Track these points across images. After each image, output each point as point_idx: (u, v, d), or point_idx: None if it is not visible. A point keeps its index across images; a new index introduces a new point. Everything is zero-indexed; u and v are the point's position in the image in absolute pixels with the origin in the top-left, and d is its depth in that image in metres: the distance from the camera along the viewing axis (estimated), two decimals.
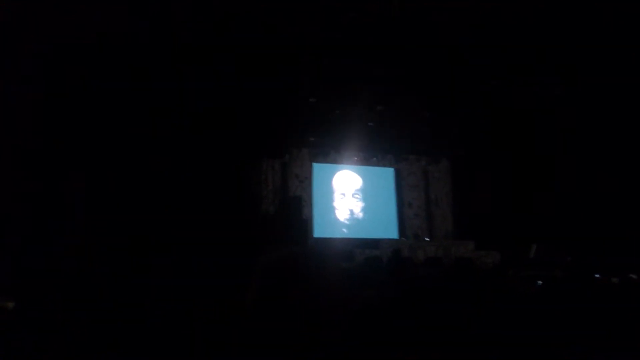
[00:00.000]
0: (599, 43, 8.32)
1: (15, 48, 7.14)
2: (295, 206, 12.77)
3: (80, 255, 7.28)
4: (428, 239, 13.47)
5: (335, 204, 13.71)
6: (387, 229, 13.93)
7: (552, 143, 11.52)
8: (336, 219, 13.63)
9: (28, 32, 7.04)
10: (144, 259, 7.79)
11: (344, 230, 13.60)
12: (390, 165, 14.48)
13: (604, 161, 10.90)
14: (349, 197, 13.87)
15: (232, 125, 10.51)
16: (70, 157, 7.97)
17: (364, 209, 13.94)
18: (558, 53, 8.72)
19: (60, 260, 7.03)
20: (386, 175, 14.48)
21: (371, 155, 14.11)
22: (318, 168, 13.61)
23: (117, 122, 8.55)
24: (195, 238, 9.03)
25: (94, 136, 8.22)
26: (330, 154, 13.73)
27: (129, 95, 8.55)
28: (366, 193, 14.10)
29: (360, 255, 11.04)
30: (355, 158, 13.97)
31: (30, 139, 7.55)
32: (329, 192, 13.72)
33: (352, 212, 13.83)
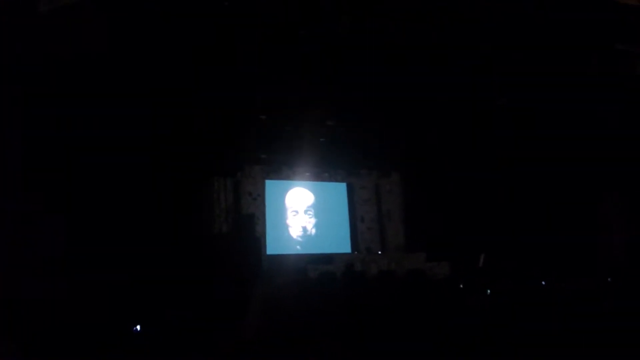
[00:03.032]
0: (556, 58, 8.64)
1: None
2: (248, 224, 12.71)
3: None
4: (380, 252, 13.61)
5: (289, 221, 13.70)
6: (340, 244, 13.99)
7: (502, 154, 11.83)
8: (289, 236, 13.61)
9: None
10: (99, 277, 7.62)
11: (298, 247, 13.59)
12: (342, 180, 14.60)
13: (555, 172, 11.29)
14: (301, 214, 13.90)
15: (183, 144, 10.39)
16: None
17: (316, 225, 13.98)
18: (509, 60, 8.96)
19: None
20: (338, 190, 14.58)
21: (323, 170, 14.20)
22: (271, 185, 13.58)
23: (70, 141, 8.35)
24: (148, 258, 8.86)
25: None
26: (283, 170, 13.74)
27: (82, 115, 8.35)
28: (319, 209, 14.15)
29: (314, 271, 11.07)
30: (308, 174, 14.02)
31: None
32: (282, 209, 13.70)
33: (305, 229, 13.84)
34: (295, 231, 13.69)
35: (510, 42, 8.27)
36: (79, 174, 8.57)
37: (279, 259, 12.62)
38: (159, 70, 8.37)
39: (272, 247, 12.93)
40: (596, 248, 10.81)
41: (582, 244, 10.63)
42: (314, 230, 13.90)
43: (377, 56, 8.67)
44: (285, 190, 13.91)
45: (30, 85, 7.50)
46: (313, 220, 13.97)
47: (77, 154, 8.47)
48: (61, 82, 7.77)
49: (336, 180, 14.52)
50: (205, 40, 7.91)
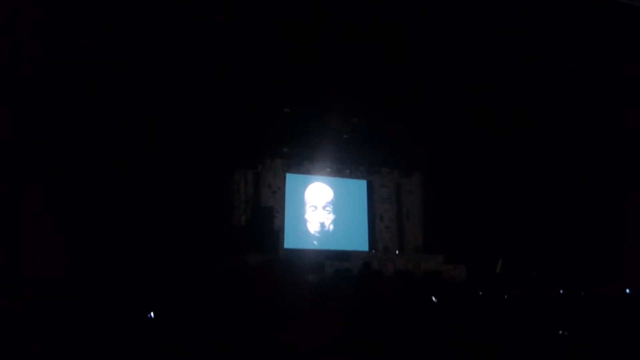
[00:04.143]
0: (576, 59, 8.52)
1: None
2: (267, 216, 12.75)
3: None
4: (398, 252, 13.54)
5: (307, 216, 13.71)
6: (358, 242, 13.96)
7: (524, 158, 11.69)
8: (307, 231, 13.62)
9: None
10: (115, 268, 7.70)
11: (314, 242, 13.59)
12: (363, 178, 14.56)
13: (576, 177, 11.11)
14: (320, 209, 13.89)
15: (205, 135, 10.44)
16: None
17: (335, 221, 13.97)
18: (534, 67, 8.86)
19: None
20: (359, 187, 14.54)
21: (344, 167, 14.17)
22: (291, 178, 13.60)
23: (89, 133, 8.42)
24: (167, 248, 8.94)
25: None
26: (304, 164, 13.75)
27: (96, 109, 8.43)
28: (338, 205, 14.13)
29: (330, 268, 11.06)
30: (328, 169, 14.01)
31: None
32: (301, 203, 13.72)
33: (323, 225, 13.84)
34: (313, 226, 13.70)
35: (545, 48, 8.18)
36: (95, 168, 8.64)
37: (296, 253, 12.64)
38: (183, 63, 8.42)
39: (290, 241, 12.96)
40: (621, 256, 10.60)
41: (606, 251, 10.44)
42: (331, 226, 13.89)
43: (402, 55, 8.63)
44: (305, 185, 13.91)
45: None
46: (331, 217, 13.96)
47: (97, 148, 8.55)
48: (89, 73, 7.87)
49: (357, 177, 14.48)
50: (233, 35, 7.95)
